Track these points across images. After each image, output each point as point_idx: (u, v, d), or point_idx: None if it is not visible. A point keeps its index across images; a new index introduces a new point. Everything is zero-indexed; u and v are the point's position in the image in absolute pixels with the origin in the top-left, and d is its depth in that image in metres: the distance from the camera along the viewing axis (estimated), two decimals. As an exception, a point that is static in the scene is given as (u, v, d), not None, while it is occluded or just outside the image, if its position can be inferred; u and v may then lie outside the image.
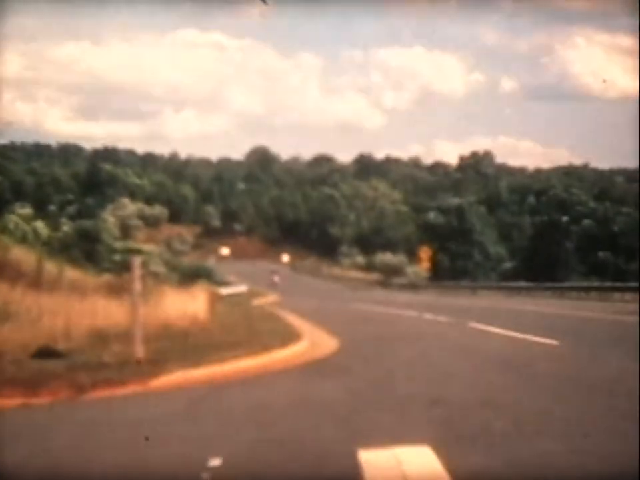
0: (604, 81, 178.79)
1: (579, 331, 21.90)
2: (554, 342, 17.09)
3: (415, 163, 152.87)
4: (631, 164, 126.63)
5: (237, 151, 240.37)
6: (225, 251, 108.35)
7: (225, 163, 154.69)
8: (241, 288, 59.30)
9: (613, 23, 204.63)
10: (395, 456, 7.00)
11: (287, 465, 7.04)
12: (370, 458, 6.92)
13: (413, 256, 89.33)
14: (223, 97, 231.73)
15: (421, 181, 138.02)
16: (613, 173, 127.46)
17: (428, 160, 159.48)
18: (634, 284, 51.51)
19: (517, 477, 6.45)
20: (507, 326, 21.53)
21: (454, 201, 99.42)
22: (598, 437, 7.91)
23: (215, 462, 7.01)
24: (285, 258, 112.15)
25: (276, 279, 73.69)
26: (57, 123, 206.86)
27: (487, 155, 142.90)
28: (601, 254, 79.83)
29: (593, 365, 13.92)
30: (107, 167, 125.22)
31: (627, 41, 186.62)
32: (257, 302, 46.50)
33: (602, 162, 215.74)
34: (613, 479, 6.54)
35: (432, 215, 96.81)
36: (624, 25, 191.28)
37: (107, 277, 29.93)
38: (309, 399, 10.69)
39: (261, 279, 75.03)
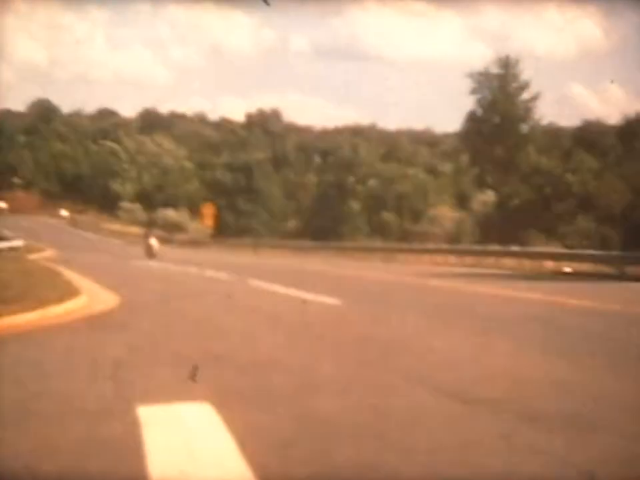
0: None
1: (363, 291, 22.29)
2: (336, 301, 17.28)
3: (201, 119, 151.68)
4: (416, 125, 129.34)
5: (18, 103, 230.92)
6: (1, 204, 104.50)
7: (4, 115, 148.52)
8: (18, 242, 57.41)
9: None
10: (175, 412, 6.85)
11: (62, 420, 6.74)
12: (149, 414, 6.74)
13: (196, 213, 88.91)
14: (5, 48, 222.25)
15: (207, 138, 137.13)
16: (399, 133, 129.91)
17: (214, 116, 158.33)
18: (418, 246, 53.31)
19: (297, 432, 6.41)
20: (290, 284, 21.64)
21: (241, 158, 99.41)
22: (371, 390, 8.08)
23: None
24: (64, 212, 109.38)
25: (152, 241, 50.21)
26: None
27: (275, 113, 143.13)
28: (385, 214, 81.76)
29: (372, 323, 14.18)
30: None
31: (420, 6, 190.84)
32: (33, 257, 45.10)
33: (388, 123, 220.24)
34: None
35: (218, 172, 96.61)
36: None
37: None
38: (87, 355, 10.36)
39: (39, 233, 72.95)
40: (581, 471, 5.42)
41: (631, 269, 29.74)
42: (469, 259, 40.56)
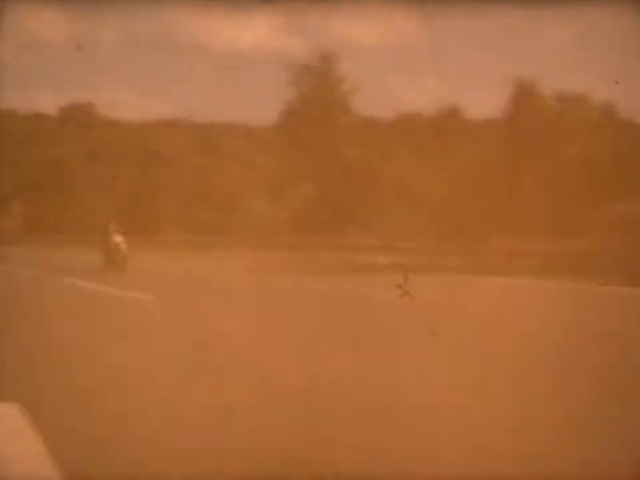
0: None
1: (175, 286, 22.13)
2: (149, 297, 17.05)
3: (11, 114, 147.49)
4: (232, 117, 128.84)
5: None
6: None
7: None
8: None
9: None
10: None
11: None
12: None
13: (4, 211, 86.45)
14: None
15: (18, 132, 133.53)
16: (215, 126, 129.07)
17: (25, 111, 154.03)
18: (233, 239, 53.21)
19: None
20: (105, 282, 21.33)
21: (53, 153, 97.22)
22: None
23: None
24: None
25: (117, 239, 33.90)
26: None
27: (88, 107, 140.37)
28: (199, 208, 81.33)
29: (175, 317, 14.18)
30: None
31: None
32: None
33: (204, 115, 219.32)
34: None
35: (29, 168, 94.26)
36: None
37: None
38: None
39: None
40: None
41: (449, 260, 30.46)
42: (284, 253, 40.53)
